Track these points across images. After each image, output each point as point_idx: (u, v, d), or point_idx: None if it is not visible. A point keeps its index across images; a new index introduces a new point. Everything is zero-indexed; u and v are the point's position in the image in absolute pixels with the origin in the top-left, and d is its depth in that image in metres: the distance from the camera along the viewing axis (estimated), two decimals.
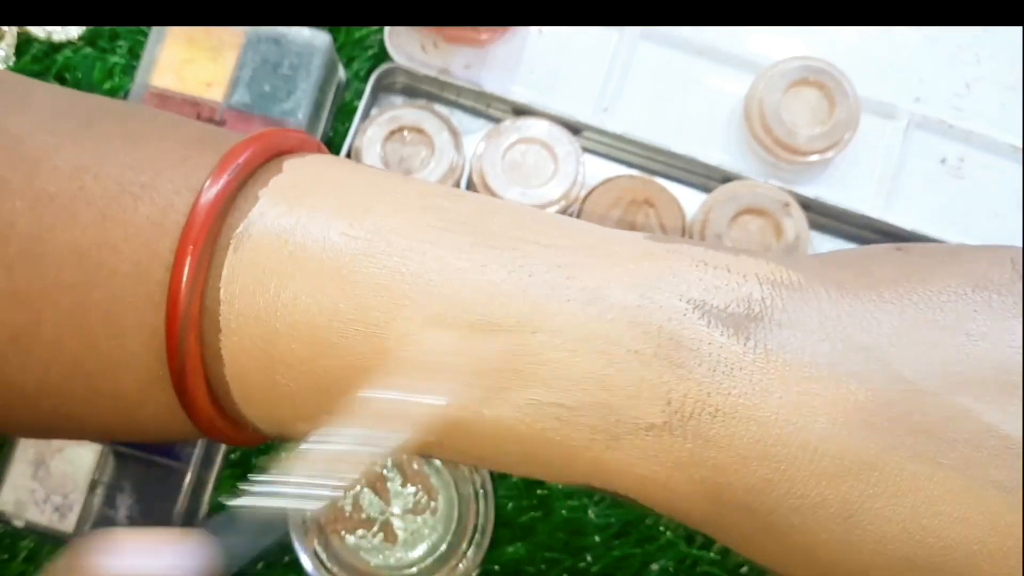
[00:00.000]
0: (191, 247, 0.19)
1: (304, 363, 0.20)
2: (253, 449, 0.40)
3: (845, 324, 0.19)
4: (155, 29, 0.40)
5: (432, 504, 0.38)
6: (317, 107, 0.40)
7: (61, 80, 0.43)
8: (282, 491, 0.20)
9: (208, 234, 0.19)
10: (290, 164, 0.21)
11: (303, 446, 0.20)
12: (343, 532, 0.38)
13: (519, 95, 0.41)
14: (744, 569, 0.39)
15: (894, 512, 0.18)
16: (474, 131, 0.42)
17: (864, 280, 0.19)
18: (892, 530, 0.18)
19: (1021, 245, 0.20)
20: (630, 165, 0.42)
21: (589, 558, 0.39)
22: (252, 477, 0.20)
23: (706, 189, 0.41)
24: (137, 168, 0.20)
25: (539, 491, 0.39)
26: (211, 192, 0.20)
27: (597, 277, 0.19)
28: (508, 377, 0.19)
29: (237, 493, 0.20)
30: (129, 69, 0.42)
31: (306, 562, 0.36)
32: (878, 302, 0.19)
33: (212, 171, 0.20)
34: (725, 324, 0.19)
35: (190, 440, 0.38)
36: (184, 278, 0.19)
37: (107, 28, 0.43)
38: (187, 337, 0.19)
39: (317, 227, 0.20)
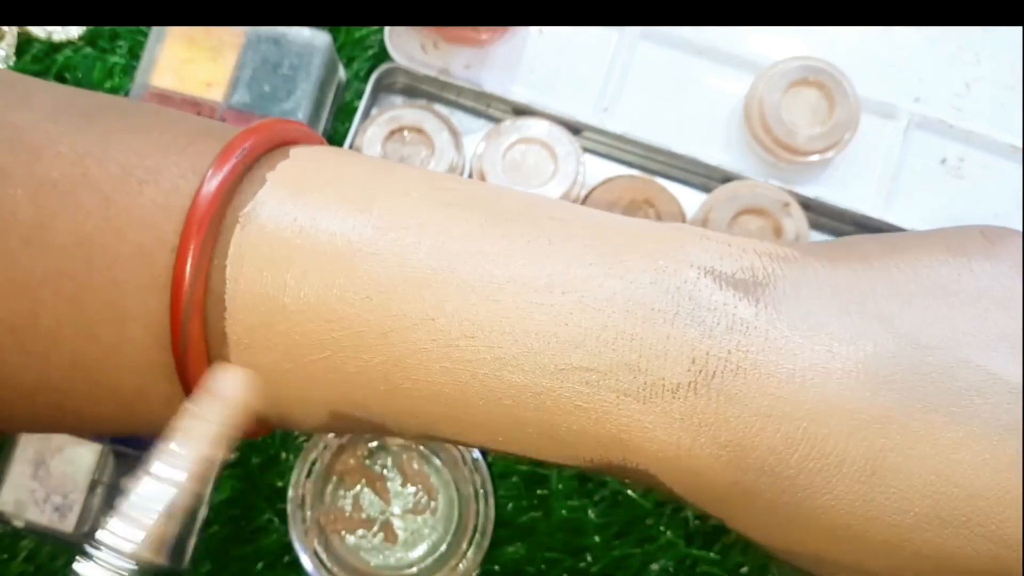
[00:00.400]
0: (197, 227, 0.19)
1: (312, 339, 0.20)
2: (252, 448, 0.40)
3: (842, 290, 0.19)
4: (155, 29, 0.40)
5: (432, 504, 0.38)
6: (317, 107, 0.40)
7: (61, 80, 0.43)
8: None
9: (215, 215, 0.19)
10: (296, 152, 0.21)
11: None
12: (343, 532, 0.38)
13: (519, 95, 0.41)
14: (744, 569, 0.39)
15: (915, 464, 0.18)
16: (474, 131, 0.42)
17: (852, 254, 0.20)
18: (915, 483, 0.18)
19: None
20: (630, 165, 0.42)
21: (589, 558, 0.39)
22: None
23: (706, 189, 0.41)
24: (141, 154, 0.20)
25: (539, 491, 0.39)
26: (218, 174, 0.20)
27: (611, 247, 0.20)
28: (542, 340, 0.19)
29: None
30: (129, 69, 0.42)
31: (306, 562, 0.36)
32: (868, 270, 0.20)
33: (217, 156, 0.20)
34: (736, 288, 0.19)
35: None
36: (189, 258, 0.19)
37: (107, 28, 0.43)
38: (191, 319, 0.19)
39: (328, 207, 0.20)
